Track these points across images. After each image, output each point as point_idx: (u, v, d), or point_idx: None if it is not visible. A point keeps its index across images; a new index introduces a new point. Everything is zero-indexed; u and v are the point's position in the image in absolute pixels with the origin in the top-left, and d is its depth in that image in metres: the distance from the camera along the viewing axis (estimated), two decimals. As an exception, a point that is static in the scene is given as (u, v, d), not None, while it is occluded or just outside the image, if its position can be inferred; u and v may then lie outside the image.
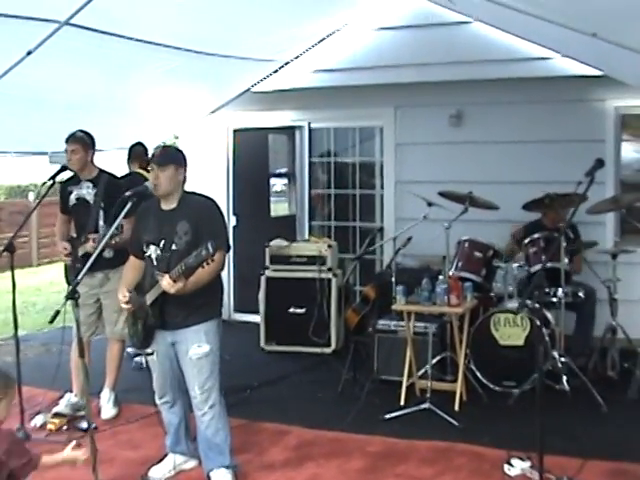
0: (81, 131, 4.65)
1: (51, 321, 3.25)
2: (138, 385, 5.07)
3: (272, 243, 6.49)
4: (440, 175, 6.35)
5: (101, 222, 4.62)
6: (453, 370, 5.08)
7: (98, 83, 5.29)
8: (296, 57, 6.51)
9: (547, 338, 4.87)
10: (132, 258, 3.86)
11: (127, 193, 3.61)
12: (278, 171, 7.84)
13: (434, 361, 4.98)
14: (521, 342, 4.91)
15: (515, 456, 3.78)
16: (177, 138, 8.13)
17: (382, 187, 6.99)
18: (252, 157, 7.51)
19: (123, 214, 3.56)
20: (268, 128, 7.46)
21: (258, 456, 4.10)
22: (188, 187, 3.75)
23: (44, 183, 4.56)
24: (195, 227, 3.55)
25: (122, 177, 5.30)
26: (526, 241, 5.33)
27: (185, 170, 3.70)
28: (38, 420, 4.56)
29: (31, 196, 14.84)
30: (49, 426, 4.48)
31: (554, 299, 5.09)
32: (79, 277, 3.34)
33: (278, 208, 7.97)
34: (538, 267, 5.15)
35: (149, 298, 3.60)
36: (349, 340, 5.88)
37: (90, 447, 3.12)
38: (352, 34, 6.48)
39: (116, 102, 5.80)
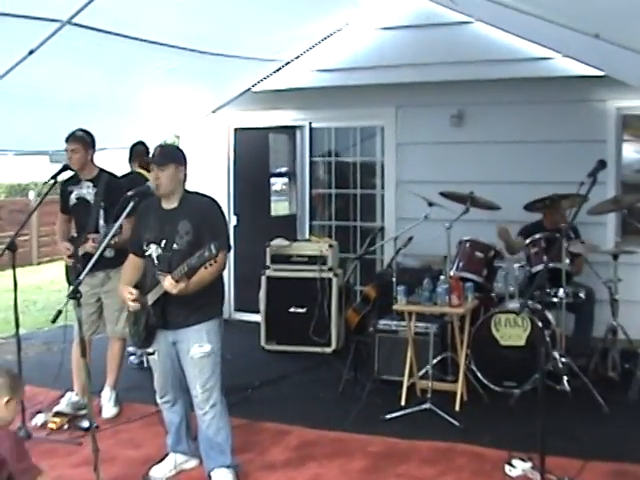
0: (81, 130, 4.64)
1: (53, 320, 3.25)
2: (139, 384, 5.09)
3: (273, 243, 6.49)
4: (441, 175, 6.35)
5: (101, 222, 4.62)
6: (454, 370, 5.08)
7: (100, 82, 5.29)
8: (297, 57, 6.52)
9: (548, 339, 4.87)
10: (131, 256, 3.85)
11: (129, 193, 3.60)
12: (279, 171, 7.84)
13: (435, 361, 4.98)
14: (522, 342, 4.90)
15: (516, 456, 3.78)
16: (178, 137, 8.13)
17: (383, 187, 6.99)
18: (253, 157, 7.51)
19: (125, 214, 3.56)
20: (269, 128, 7.46)
21: (259, 456, 4.10)
22: (189, 186, 3.74)
23: (46, 182, 4.55)
24: (196, 227, 3.55)
25: (122, 177, 5.29)
26: (527, 241, 5.33)
27: (185, 168, 3.69)
28: (39, 419, 4.56)
29: (31, 195, 14.82)
30: (50, 425, 4.48)
31: (555, 299, 5.10)
32: (81, 277, 3.34)
33: (278, 208, 7.97)
34: (539, 267, 5.16)
35: (151, 298, 3.60)
36: (350, 340, 5.89)
37: (92, 446, 3.13)
38: (353, 34, 6.48)
39: (117, 101, 5.80)
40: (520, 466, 3.73)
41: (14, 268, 4.27)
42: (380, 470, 3.90)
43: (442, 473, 3.84)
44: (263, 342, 6.39)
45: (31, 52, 4.39)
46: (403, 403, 4.80)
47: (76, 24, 4.27)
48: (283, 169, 7.78)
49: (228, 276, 7.15)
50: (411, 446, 4.17)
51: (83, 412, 4.55)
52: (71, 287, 3.27)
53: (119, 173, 5.22)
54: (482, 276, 5.31)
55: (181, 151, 3.79)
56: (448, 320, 5.08)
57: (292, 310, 6.33)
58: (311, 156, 7.26)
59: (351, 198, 7.25)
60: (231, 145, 7.54)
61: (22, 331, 4.48)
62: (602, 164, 3.97)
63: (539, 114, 6.22)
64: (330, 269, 6.30)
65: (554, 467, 3.53)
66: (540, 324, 4.79)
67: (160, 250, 3.60)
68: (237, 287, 7.51)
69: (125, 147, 6.12)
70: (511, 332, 4.95)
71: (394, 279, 5.52)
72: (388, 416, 4.59)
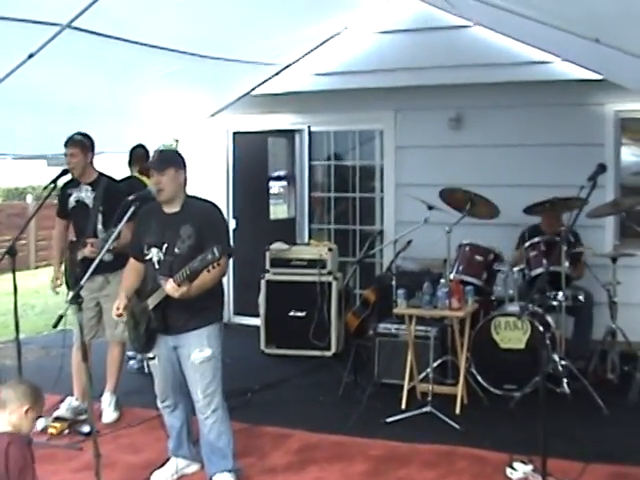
0: (80, 134, 4.62)
1: (55, 325, 3.23)
2: (139, 388, 5.08)
3: (272, 246, 6.49)
4: (440, 178, 6.32)
5: (99, 226, 4.61)
6: (454, 373, 5.09)
7: (99, 86, 5.28)
8: (296, 60, 6.51)
9: (548, 341, 4.87)
10: (132, 261, 3.85)
11: (130, 197, 3.59)
12: (278, 174, 7.84)
13: (435, 364, 4.98)
14: (522, 345, 4.91)
15: (517, 459, 3.78)
16: (177, 141, 8.12)
17: (382, 190, 7.00)
18: (252, 160, 7.51)
19: (126, 218, 3.55)
20: (268, 131, 7.46)
21: (260, 460, 4.10)
22: (188, 190, 3.74)
23: (46, 187, 4.54)
24: (198, 231, 3.55)
25: (121, 181, 5.29)
26: (526, 245, 5.34)
27: (185, 172, 3.69)
28: (39, 424, 4.50)
29: (29, 198, 14.78)
30: (50, 430, 4.47)
31: (554, 302, 5.10)
32: (82, 282, 3.33)
33: (277, 211, 7.97)
34: (539, 271, 5.16)
35: (151, 302, 3.59)
36: (350, 343, 5.89)
37: (93, 452, 3.12)
38: (352, 37, 6.48)
39: (117, 105, 5.79)
40: (521, 469, 3.73)
41: (14, 273, 4.25)
42: (381, 474, 3.90)
43: (443, 476, 3.84)
44: (263, 346, 6.39)
45: (31, 56, 4.38)
46: (403, 406, 4.80)
47: (76, 28, 4.26)
48: (282, 172, 7.78)
49: (227, 280, 7.14)
50: (412, 449, 4.17)
51: (83, 417, 4.54)
52: (71, 292, 3.25)
53: (119, 177, 5.22)
54: (482, 279, 5.31)
55: (180, 155, 3.80)
56: (448, 323, 5.08)
57: (292, 314, 6.32)
58: (310, 160, 7.25)
59: (350, 202, 7.25)
60: (230, 149, 7.54)
61: (21, 335, 4.45)
62: (602, 168, 3.98)
63: (537, 117, 6.23)
64: (330, 273, 6.30)
65: (555, 470, 3.52)
66: (540, 327, 4.79)
67: (161, 254, 3.60)
68: (237, 291, 7.50)
69: (124, 151, 6.11)
70: (511, 335, 4.95)
71: (394, 282, 5.53)
72: (389, 419, 4.59)
